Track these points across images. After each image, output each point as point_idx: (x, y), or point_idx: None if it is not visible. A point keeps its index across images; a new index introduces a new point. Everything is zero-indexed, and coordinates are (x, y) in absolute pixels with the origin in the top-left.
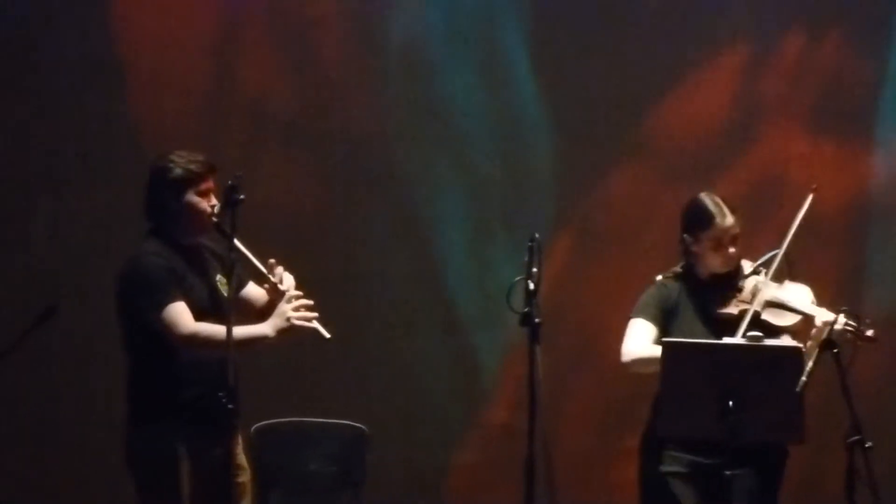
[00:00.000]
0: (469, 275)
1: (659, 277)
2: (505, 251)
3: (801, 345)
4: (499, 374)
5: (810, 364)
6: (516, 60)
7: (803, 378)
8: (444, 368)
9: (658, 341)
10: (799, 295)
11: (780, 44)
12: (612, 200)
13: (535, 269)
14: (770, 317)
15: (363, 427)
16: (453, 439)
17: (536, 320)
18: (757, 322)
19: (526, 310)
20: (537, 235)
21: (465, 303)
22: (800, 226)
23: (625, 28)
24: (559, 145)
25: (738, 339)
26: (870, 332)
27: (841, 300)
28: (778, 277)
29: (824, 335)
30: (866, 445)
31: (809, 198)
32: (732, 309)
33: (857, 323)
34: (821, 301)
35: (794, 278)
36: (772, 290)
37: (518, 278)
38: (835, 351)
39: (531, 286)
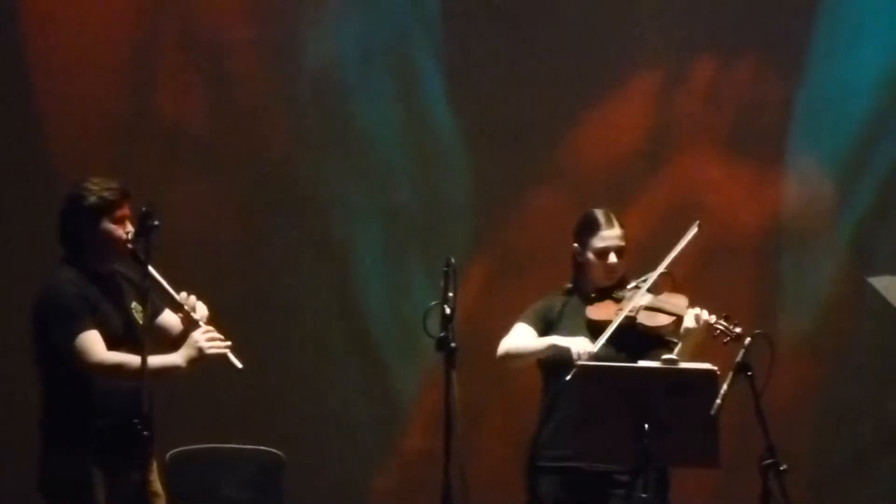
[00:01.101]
0: (385, 300)
1: (558, 291)
2: (421, 276)
3: (715, 368)
4: (415, 399)
5: (725, 387)
6: (430, 85)
7: (717, 401)
8: (360, 394)
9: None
10: (675, 300)
11: (694, 68)
12: (528, 224)
13: (450, 294)
14: (644, 319)
15: (279, 453)
16: (370, 465)
17: (452, 345)
18: (632, 327)
19: (442, 334)
20: (453, 260)
21: (382, 328)
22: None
23: (539, 53)
24: (475, 169)
25: (653, 363)
26: (738, 329)
27: (755, 324)
28: (658, 291)
29: (690, 324)
30: (780, 468)
31: (694, 229)
32: (610, 315)
33: (727, 322)
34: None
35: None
36: (648, 297)
37: (434, 303)
38: (749, 374)
39: (447, 311)
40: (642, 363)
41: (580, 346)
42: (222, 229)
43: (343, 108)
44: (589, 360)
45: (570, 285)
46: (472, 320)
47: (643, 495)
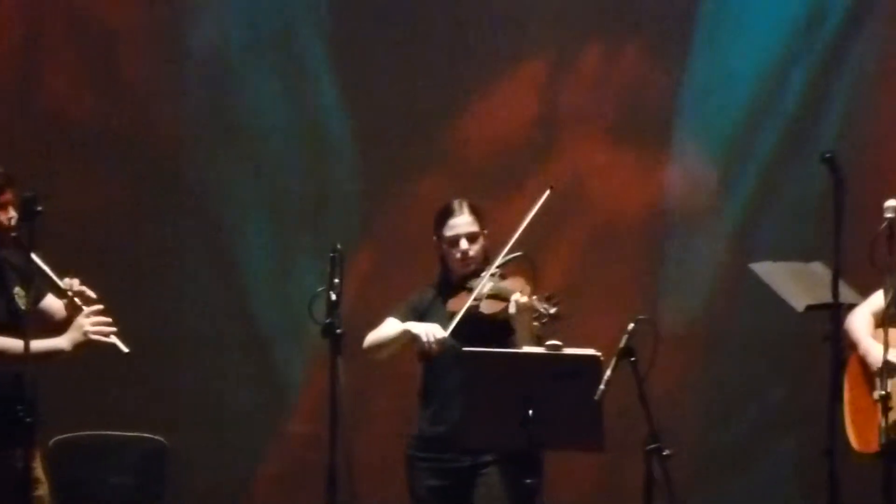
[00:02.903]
0: (272, 286)
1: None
2: (308, 262)
3: (599, 353)
4: (301, 384)
5: (608, 372)
6: (317, 72)
7: (601, 386)
8: (246, 379)
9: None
10: (513, 285)
11: (580, 56)
12: (415, 212)
13: (337, 280)
14: (485, 307)
15: (161, 439)
16: (256, 450)
17: (338, 331)
18: (478, 315)
19: (328, 321)
20: (339, 246)
21: (268, 314)
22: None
23: (426, 41)
24: (362, 157)
25: (537, 348)
26: (553, 310)
27: (639, 309)
28: (513, 274)
29: (512, 309)
30: (664, 453)
31: (546, 194)
32: (461, 305)
33: (546, 303)
34: (619, 311)
35: (535, 281)
36: (490, 284)
37: (320, 289)
38: (632, 359)
39: (333, 297)
40: (526, 349)
41: (430, 330)
42: (109, 215)
43: (230, 95)
44: (441, 345)
45: (438, 277)
46: (359, 307)
47: (528, 481)
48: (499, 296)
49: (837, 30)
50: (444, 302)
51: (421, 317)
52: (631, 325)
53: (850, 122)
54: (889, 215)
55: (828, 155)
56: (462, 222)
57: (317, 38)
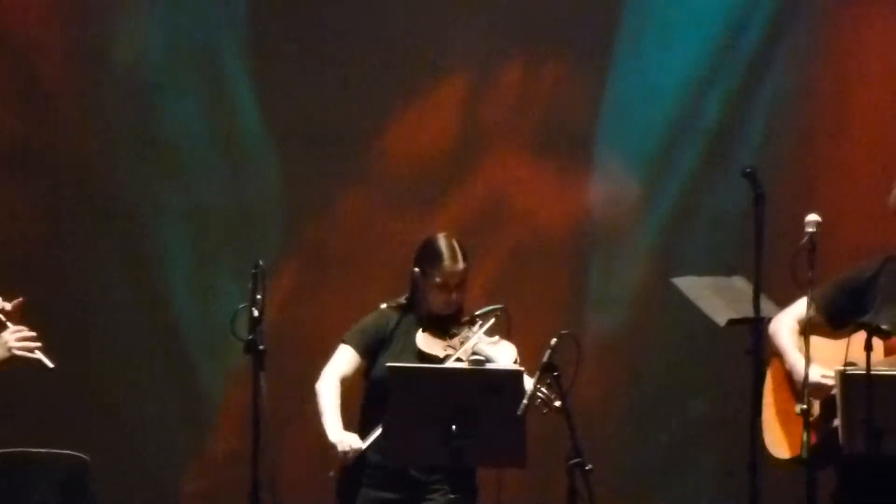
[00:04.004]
0: (194, 302)
1: (384, 305)
2: (230, 278)
3: (522, 368)
4: (224, 401)
5: (531, 388)
6: (239, 86)
7: (524, 402)
8: (169, 396)
9: (359, 369)
10: (503, 353)
11: (502, 70)
12: (338, 226)
13: (259, 296)
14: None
15: (84, 456)
16: (178, 467)
17: (260, 347)
18: None
19: (250, 337)
20: (261, 262)
21: (189, 329)
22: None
23: (349, 55)
24: (284, 171)
25: (461, 364)
26: (557, 403)
27: (562, 324)
28: (492, 332)
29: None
30: (587, 468)
31: (491, 321)
32: (439, 351)
33: (549, 392)
34: (543, 327)
35: (509, 334)
36: (480, 344)
37: (242, 305)
38: (555, 374)
39: (255, 313)
40: (450, 364)
41: (347, 441)
42: (30, 229)
43: (151, 110)
44: (356, 455)
45: (404, 300)
46: (281, 323)
47: (451, 496)
48: (486, 361)
49: (758, 45)
50: (410, 335)
51: (381, 343)
52: (553, 340)
53: (770, 137)
54: (810, 230)
55: (748, 170)
56: (458, 271)
57: (237, 52)
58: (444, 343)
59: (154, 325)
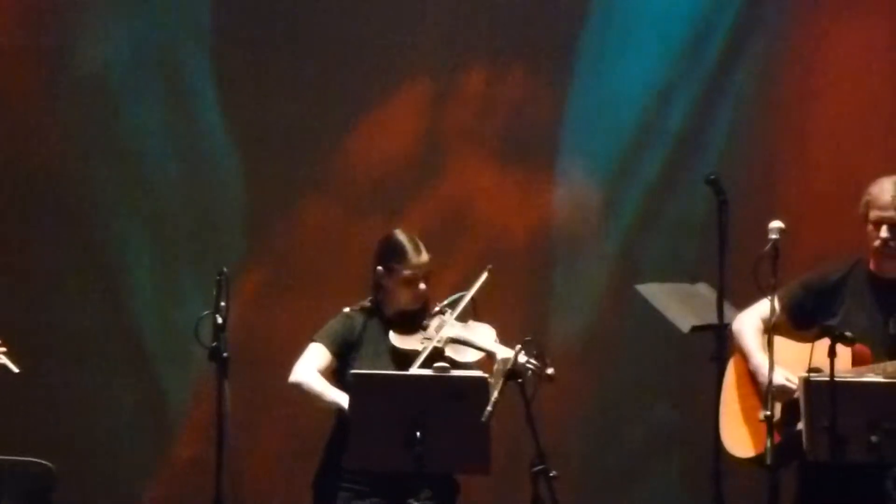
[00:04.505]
0: (157, 310)
1: (346, 310)
2: (193, 285)
3: (486, 375)
4: (187, 408)
5: (495, 394)
6: (201, 92)
7: (488, 408)
8: (132, 403)
9: (331, 368)
10: (482, 333)
11: (465, 77)
12: (301, 232)
13: (223, 303)
14: (452, 353)
15: (48, 464)
16: (141, 474)
17: (225, 354)
18: (439, 358)
19: (214, 344)
20: (225, 269)
21: (153, 337)
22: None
23: (312, 61)
24: (247, 177)
25: (425, 370)
26: (550, 371)
27: (527, 331)
28: (463, 318)
29: (505, 371)
30: (551, 474)
31: (484, 275)
32: (416, 345)
33: (538, 362)
34: (507, 333)
35: (478, 319)
36: (455, 329)
37: (206, 312)
38: (519, 381)
39: (220, 320)
40: (414, 370)
41: None
42: None
43: (114, 116)
44: None
45: (369, 304)
46: (246, 329)
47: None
48: (467, 343)
49: (720, 53)
50: (377, 335)
51: (351, 347)
52: (517, 347)
53: (733, 144)
54: (773, 236)
55: (712, 176)
56: (423, 262)
57: (200, 58)
58: (420, 336)
59: (117, 333)
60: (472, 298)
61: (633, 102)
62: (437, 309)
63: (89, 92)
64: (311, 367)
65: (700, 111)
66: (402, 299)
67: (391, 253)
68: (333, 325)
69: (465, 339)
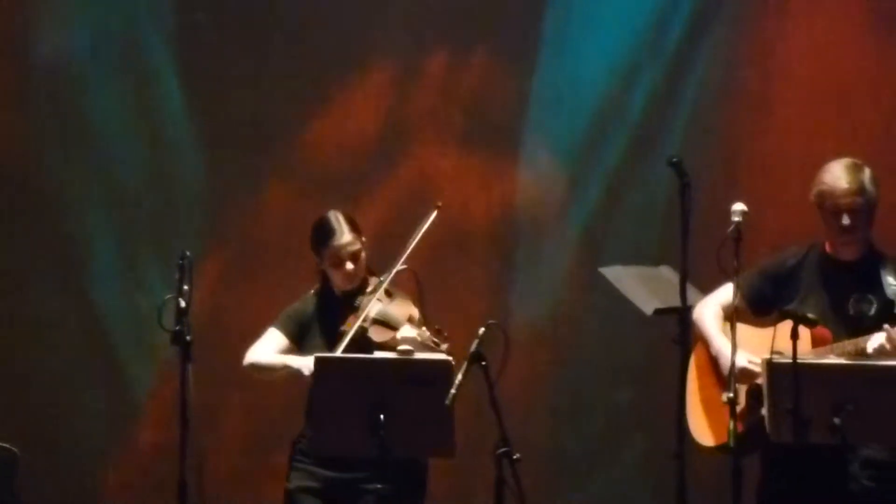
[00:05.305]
0: (120, 293)
1: (311, 292)
2: (156, 270)
3: (450, 358)
4: (151, 392)
5: (459, 377)
6: (164, 78)
7: (452, 391)
8: (95, 388)
9: (287, 351)
10: (399, 309)
11: (428, 61)
12: (264, 218)
13: (186, 287)
14: (374, 334)
15: (13, 449)
16: (104, 459)
17: (188, 338)
18: (364, 339)
19: (177, 328)
20: (188, 253)
21: (116, 321)
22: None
23: (274, 47)
24: (209, 161)
25: (389, 354)
26: (444, 346)
27: (490, 314)
28: (397, 293)
29: (403, 347)
30: (514, 457)
31: (433, 214)
32: (349, 324)
33: (437, 338)
34: (471, 316)
35: (421, 296)
36: (378, 307)
37: (169, 296)
38: (483, 364)
39: (182, 304)
40: (378, 354)
41: (308, 364)
42: None
43: (75, 101)
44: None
45: (318, 286)
46: (209, 313)
47: (378, 486)
48: (387, 323)
49: (682, 39)
50: (328, 317)
51: (305, 329)
52: (481, 330)
53: (696, 127)
54: (736, 219)
55: (674, 159)
56: (344, 242)
57: (162, 43)
58: (353, 316)
59: (80, 317)
60: (411, 270)
61: (596, 86)
62: (370, 289)
63: (51, 79)
64: (262, 348)
65: (663, 95)
66: (336, 281)
67: (317, 235)
68: (291, 308)
69: (384, 319)
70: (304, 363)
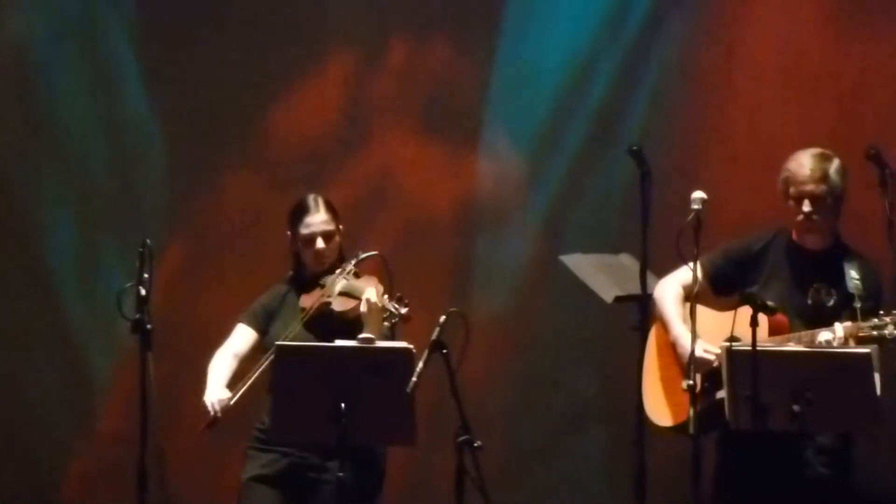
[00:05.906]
0: (79, 281)
1: (281, 282)
2: (116, 257)
3: (411, 346)
4: (111, 381)
5: (420, 365)
6: (124, 66)
7: (413, 379)
8: (53, 377)
9: (256, 344)
10: (364, 283)
11: (388, 48)
12: (225, 206)
13: (146, 276)
14: (336, 305)
15: None
16: (64, 448)
17: (148, 326)
18: (327, 312)
19: (138, 316)
20: (148, 241)
21: (76, 310)
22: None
23: (234, 34)
24: (169, 150)
25: (349, 342)
26: (404, 311)
27: (450, 302)
28: (364, 274)
29: (363, 308)
30: (475, 445)
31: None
32: (314, 303)
33: (397, 304)
34: (431, 303)
35: (391, 281)
36: (343, 282)
37: (129, 284)
38: (444, 352)
39: (143, 292)
40: (339, 342)
41: (211, 399)
42: None
43: (35, 89)
44: (220, 409)
45: (291, 272)
46: (169, 302)
47: (339, 474)
48: (350, 294)
49: (642, 24)
50: (297, 297)
51: (271, 316)
52: (442, 318)
53: (656, 116)
54: (696, 207)
55: (634, 147)
56: (318, 220)
57: (123, 31)
58: (317, 293)
59: (39, 306)
60: (380, 255)
61: (556, 74)
62: (339, 270)
63: (10, 65)
64: (225, 353)
65: (622, 82)
66: (308, 261)
67: (293, 215)
68: (259, 299)
69: (348, 291)
70: (206, 394)
